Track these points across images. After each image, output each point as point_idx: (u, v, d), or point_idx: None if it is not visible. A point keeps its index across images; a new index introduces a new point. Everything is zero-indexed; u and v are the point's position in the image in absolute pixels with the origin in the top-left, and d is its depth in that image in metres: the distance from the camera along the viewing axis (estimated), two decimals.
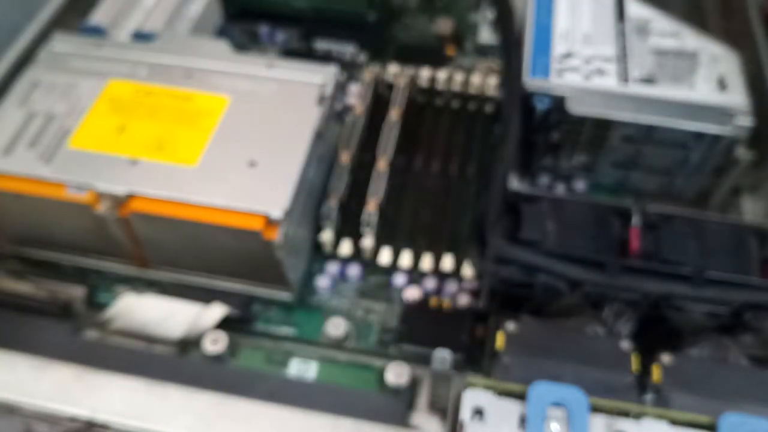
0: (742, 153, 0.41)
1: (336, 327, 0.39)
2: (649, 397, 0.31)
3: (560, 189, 0.46)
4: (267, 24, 0.56)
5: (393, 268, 0.42)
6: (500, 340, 0.33)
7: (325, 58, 0.53)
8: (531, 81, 0.42)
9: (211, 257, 0.39)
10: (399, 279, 0.42)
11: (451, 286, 0.41)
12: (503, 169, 0.39)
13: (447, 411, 0.30)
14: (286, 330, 0.40)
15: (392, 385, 0.35)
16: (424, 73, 0.49)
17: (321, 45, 0.55)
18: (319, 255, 0.43)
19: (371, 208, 0.42)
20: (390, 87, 0.49)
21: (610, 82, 0.42)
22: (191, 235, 0.37)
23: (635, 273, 0.34)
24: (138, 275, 0.41)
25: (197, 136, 0.39)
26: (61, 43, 0.44)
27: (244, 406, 0.34)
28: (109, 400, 0.33)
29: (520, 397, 0.28)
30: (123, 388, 0.34)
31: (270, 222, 0.36)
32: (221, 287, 0.41)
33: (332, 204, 0.42)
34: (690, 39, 0.44)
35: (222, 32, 0.54)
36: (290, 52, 0.54)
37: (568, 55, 0.43)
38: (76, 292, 0.40)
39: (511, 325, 0.33)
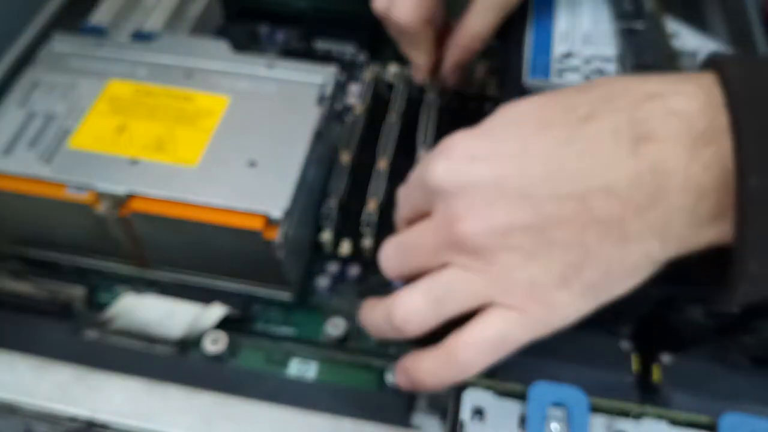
0: None
1: (336, 327, 0.39)
2: (649, 397, 0.31)
3: None
4: (267, 24, 0.56)
5: None
6: None
7: (325, 58, 0.53)
8: (531, 81, 0.42)
9: (211, 257, 0.39)
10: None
11: None
12: None
13: (447, 411, 0.30)
14: (286, 330, 0.40)
15: (392, 385, 0.35)
16: None
17: (321, 45, 0.55)
18: (319, 255, 0.43)
19: (371, 208, 0.42)
20: (390, 87, 0.49)
21: None
22: (191, 235, 0.37)
23: None
24: (138, 275, 0.41)
25: (197, 136, 0.39)
26: (61, 43, 0.44)
27: (244, 406, 0.34)
28: (109, 400, 0.34)
29: (520, 397, 0.28)
30: (123, 388, 0.34)
31: (270, 222, 0.36)
32: (221, 287, 0.41)
33: (332, 204, 0.42)
34: (690, 39, 0.44)
35: (222, 32, 0.54)
36: (290, 52, 0.54)
37: (568, 55, 0.43)
38: (76, 292, 0.40)
39: None
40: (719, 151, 0.24)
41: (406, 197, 0.32)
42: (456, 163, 0.28)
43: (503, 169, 0.27)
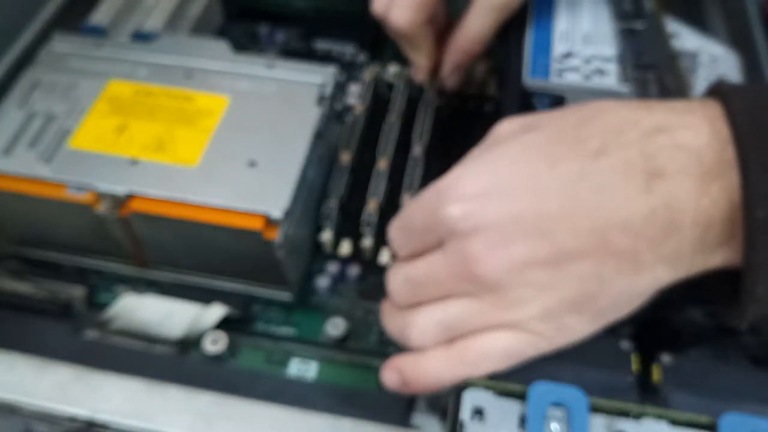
0: None
1: (336, 327, 0.39)
2: (649, 397, 0.31)
3: None
4: (267, 24, 0.56)
5: None
6: None
7: (325, 58, 0.53)
8: (531, 81, 0.42)
9: (211, 257, 0.39)
10: None
11: None
12: None
13: (447, 411, 0.30)
14: (286, 330, 0.40)
15: None
16: None
17: (321, 45, 0.55)
18: (319, 255, 0.43)
19: (371, 208, 0.42)
20: (390, 87, 0.49)
21: (610, 81, 0.42)
22: (191, 235, 0.37)
23: None
24: (138, 275, 0.41)
25: (197, 136, 0.39)
26: (61, 43, 0.44)
27: (244, 406, 0.34)
28: (109, 400, 0.34)
29: (520, 397, 0.28)
30: (123, 388, 0.34)
31: (270, 222, 0.36)
32: (221, 287, 0.41)
33: (332, 204, 0.42)
34: (690, 39, 0.44)
35: (222, 32, 0.54)
36: (290, 52, 0.54)
37: (568, 55, 0.43)
38: (76, 292, 0.40)
39: None
40: (726, 185, 0.25)
41: (409, 238, 0.31)
42: (469, 203, 0.28)
43: (518, 207, 0.27)
